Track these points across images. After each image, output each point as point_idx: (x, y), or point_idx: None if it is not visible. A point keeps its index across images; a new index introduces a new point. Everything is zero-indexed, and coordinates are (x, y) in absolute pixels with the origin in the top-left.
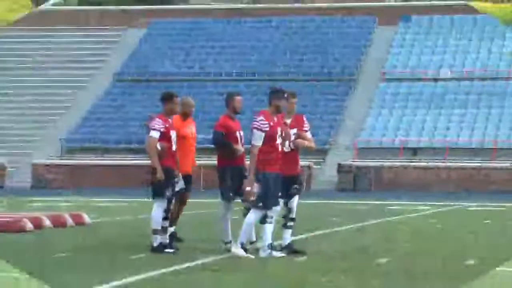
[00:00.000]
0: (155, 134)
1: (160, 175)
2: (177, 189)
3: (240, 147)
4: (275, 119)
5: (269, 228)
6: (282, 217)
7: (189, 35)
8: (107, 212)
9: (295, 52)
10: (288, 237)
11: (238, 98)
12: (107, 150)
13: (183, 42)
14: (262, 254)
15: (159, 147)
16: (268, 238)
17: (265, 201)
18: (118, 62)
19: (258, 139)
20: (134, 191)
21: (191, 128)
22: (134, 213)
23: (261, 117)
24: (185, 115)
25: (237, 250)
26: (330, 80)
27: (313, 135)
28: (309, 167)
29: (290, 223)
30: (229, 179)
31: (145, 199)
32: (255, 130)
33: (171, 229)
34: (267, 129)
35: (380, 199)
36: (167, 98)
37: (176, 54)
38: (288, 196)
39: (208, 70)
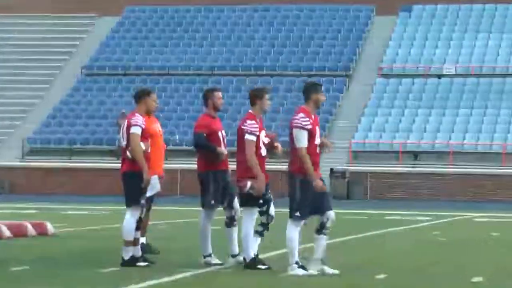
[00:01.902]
0: (137, 130)
1: (147, 179)
2: (154, 192)
3: (223, 150)
4: (313, 116)
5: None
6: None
7: (168, 24)
8: (73, 221)
9: (282, 44)
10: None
11: (218, 94)
12: (74, 152)
13: (160, 32)
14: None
15: (143, 147)
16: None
17: (303, 209)
18: (87, 54)
19: (302, 139)
20: (104, 198)
21: (157, 126)
22: (104, 222)
23: (301, 114)
24: (148, 112)
25: (295, 271)
26: (322, 75)
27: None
28: None
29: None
30: (211, 185)
31: (116, 207)
32: (297, 130)
33: (143, 240)
34: (310, 127)
35: (377, 208)
36: (144, 94)
37: (152, 45)
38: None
39: (188, 64)
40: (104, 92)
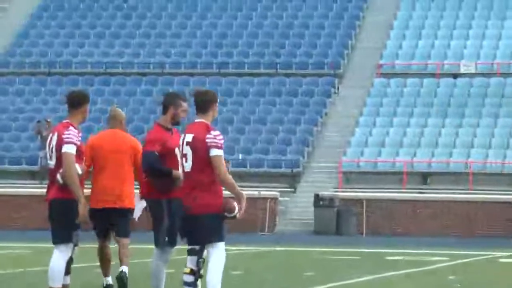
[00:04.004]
0: (71, 149)
1: (83, 210)
2: (138, 215)
3: (180, 173)
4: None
5: None
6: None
7: (105, 8)
8: None
9: (252, 34)
10: None
11: (185, 104)
12: None
13: (95, 19)
14: None
15: (79, 171)
16: None
17: None
18: None
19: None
20: (23, 234)
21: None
22: (23, 264)
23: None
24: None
25: None
26: (305, 75)
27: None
28: (272, 199)
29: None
30: (165, 216)
31: (39, 244)
32: None
33: (108, 280)
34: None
35: (375, 246)
36: (79, 101)
37: (85, 36)
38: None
39: (130, 60)
40: (23, 96)
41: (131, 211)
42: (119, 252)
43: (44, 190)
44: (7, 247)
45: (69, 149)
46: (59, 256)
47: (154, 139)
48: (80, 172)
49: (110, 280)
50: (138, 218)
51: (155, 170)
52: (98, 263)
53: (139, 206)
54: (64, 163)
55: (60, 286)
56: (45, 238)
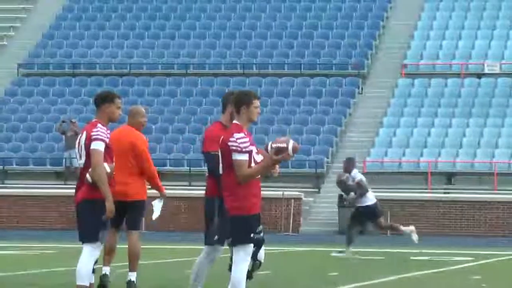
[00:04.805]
0: (100, 146)
1: (111, 207)
2: (157, 215)
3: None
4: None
5: None
6: None
7: (129, 9)
8: (7, 264)
9: (277, 35)
10: None
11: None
12: (6, 174)
13: (120, 20)
14: None
15: (108, 169)
16: None
17: None
18: (25, 48)
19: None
20: (48, 234)
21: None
22: (49, 264)
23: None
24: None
25: None
26: (328, 75)
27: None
28: (296, 199)
29: None
30: (216, 215)
31: (65, 244)
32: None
33: (106, 270)
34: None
35: (399, 246)
36: (107, 99)
37: (110, 37)
38: None
39: (155, 61)
40: (47, 97)
41: (139, 203)
42: (128, 248)
43: (69, 191)
44: (32, 247)
45: (98, 146)
46: (87, 255)
47: (211, 137)
48: (108, 170)
49: (108, 270)
50: (156, 219)
51: (216, 171)
52: (120, 263)
53: (157, 206)
54: (92, 160)
55: (88, 284)
56: (70, 238)
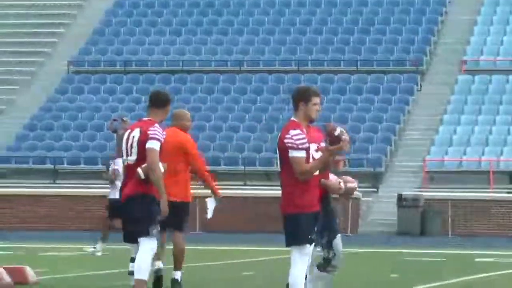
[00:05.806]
0: (156, 145)
1: (165, 207)
2: (210, 215)
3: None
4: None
5: None
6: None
7: (181, 5)
8: (58, 265)
9: (332, 31)
10: None
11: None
12: (56, 173)
13: (171, 16)
14: None
15: (162, 168)
16: None
17: None
18: (75, 45)
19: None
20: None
21: None
22: (100, 266)
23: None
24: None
25: None
26: (385, 72)
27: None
28: (355, 199)
29: None
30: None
31: (113, 246)
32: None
33: (159, 264)
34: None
35: (462, 247)
36: (164, 101)
37: (161, 33)
38: None
39: (208, 57)
40: (98, 94)
41: (183, 204)
42: (173, 247)
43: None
44: (81, 247)
45: (154, 145)
46: (146, 250)
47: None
48: (162, 170)
49: (161, 264)
50: (210, 218)
51: None
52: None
53: (211, 206)
54: (149, 159)
55: (147, 278)
56: (118, 239)
